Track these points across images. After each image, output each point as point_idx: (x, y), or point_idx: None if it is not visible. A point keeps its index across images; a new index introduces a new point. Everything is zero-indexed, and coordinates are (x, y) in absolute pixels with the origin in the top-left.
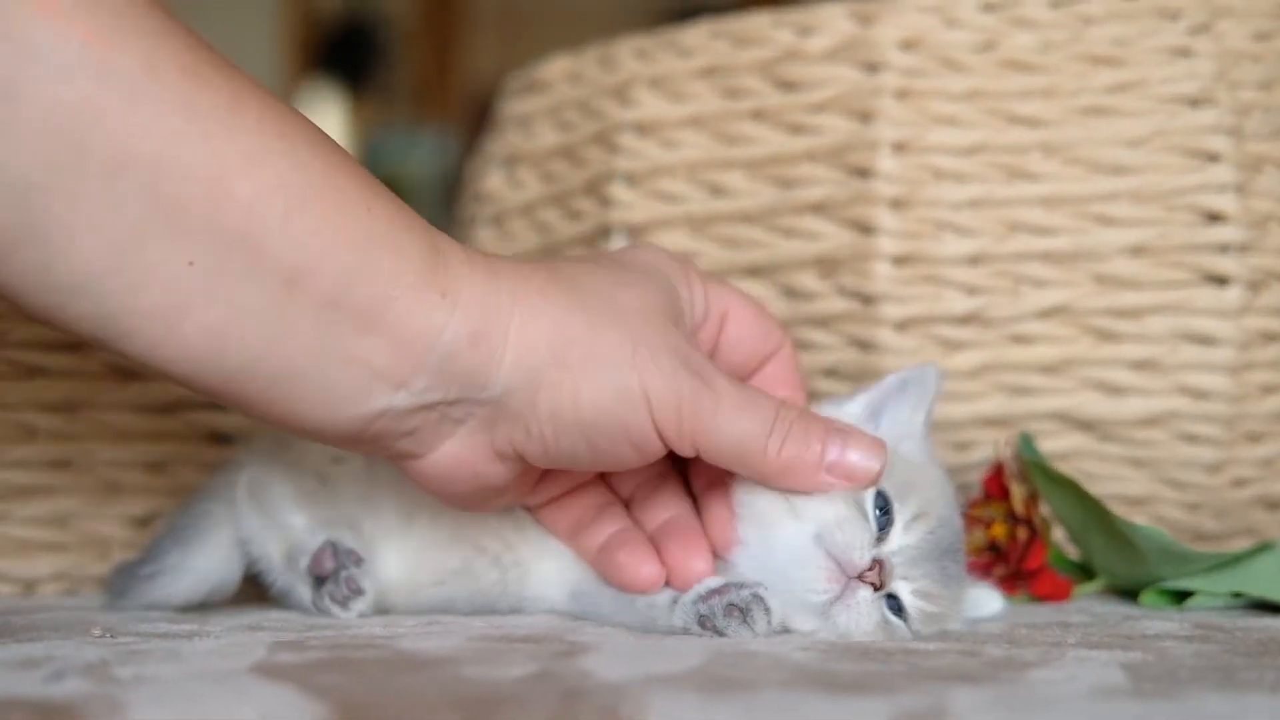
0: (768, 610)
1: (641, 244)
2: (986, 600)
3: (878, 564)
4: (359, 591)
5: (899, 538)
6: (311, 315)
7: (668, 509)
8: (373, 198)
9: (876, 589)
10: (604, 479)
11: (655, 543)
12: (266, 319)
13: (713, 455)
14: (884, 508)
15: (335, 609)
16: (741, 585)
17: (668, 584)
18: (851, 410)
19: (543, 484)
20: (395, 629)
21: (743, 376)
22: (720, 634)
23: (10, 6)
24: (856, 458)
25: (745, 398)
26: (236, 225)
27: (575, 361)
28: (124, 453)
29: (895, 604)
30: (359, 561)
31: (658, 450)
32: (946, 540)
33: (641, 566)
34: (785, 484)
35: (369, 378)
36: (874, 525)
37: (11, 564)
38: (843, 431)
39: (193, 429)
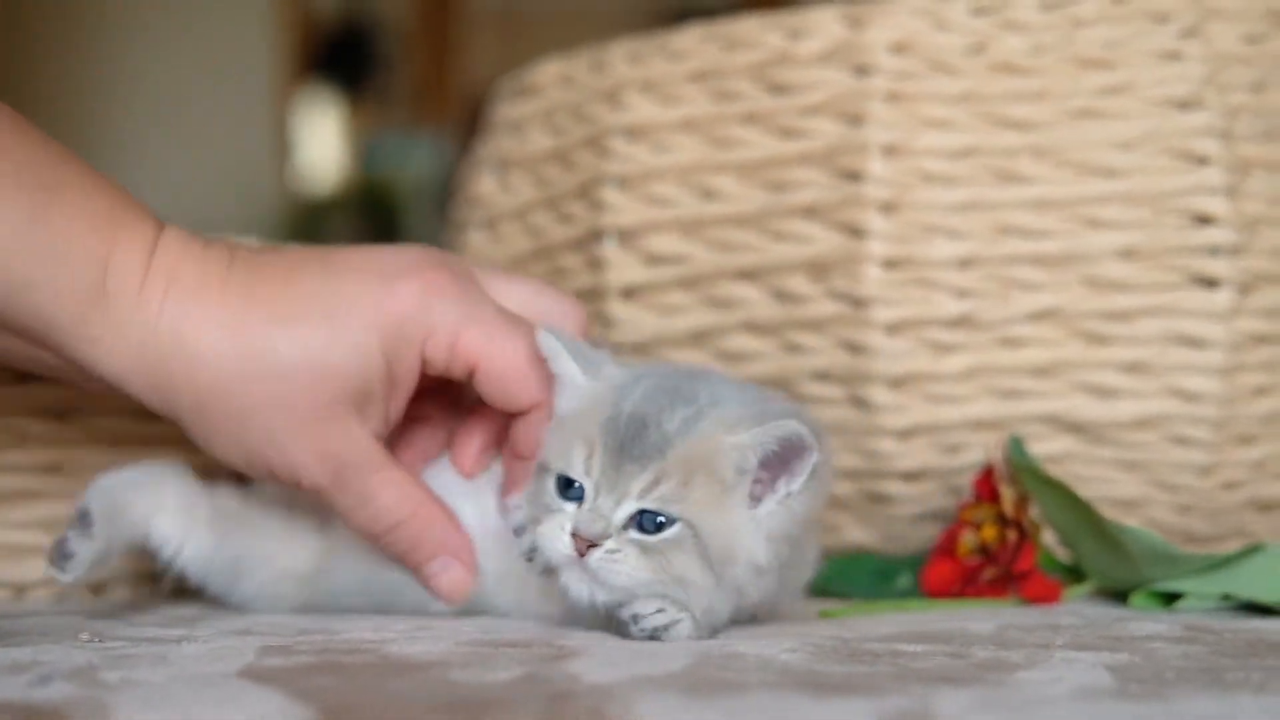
0: (675, 622)
1: (391, 287)
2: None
3: (575, 536)
4: (68, 555)
5: (589, 483)
6: None
7: None
8: (34, 229)
9: (598, 545)
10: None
11: None
12: None
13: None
14: (568, 481)
15: (51, 570)
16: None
17: None
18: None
19: None
20: (384, 633)
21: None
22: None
23: None
24: (445, 584)
25: (372, 503)
26: None
27: (216, 415)
28: (115, 458)
29: (650, 519)
30: (88, 527)
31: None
32: (623, 432)
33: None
34: None
35: (55, 369)
36: (564, 503)
37: (2, 568)
38: (445, 559)
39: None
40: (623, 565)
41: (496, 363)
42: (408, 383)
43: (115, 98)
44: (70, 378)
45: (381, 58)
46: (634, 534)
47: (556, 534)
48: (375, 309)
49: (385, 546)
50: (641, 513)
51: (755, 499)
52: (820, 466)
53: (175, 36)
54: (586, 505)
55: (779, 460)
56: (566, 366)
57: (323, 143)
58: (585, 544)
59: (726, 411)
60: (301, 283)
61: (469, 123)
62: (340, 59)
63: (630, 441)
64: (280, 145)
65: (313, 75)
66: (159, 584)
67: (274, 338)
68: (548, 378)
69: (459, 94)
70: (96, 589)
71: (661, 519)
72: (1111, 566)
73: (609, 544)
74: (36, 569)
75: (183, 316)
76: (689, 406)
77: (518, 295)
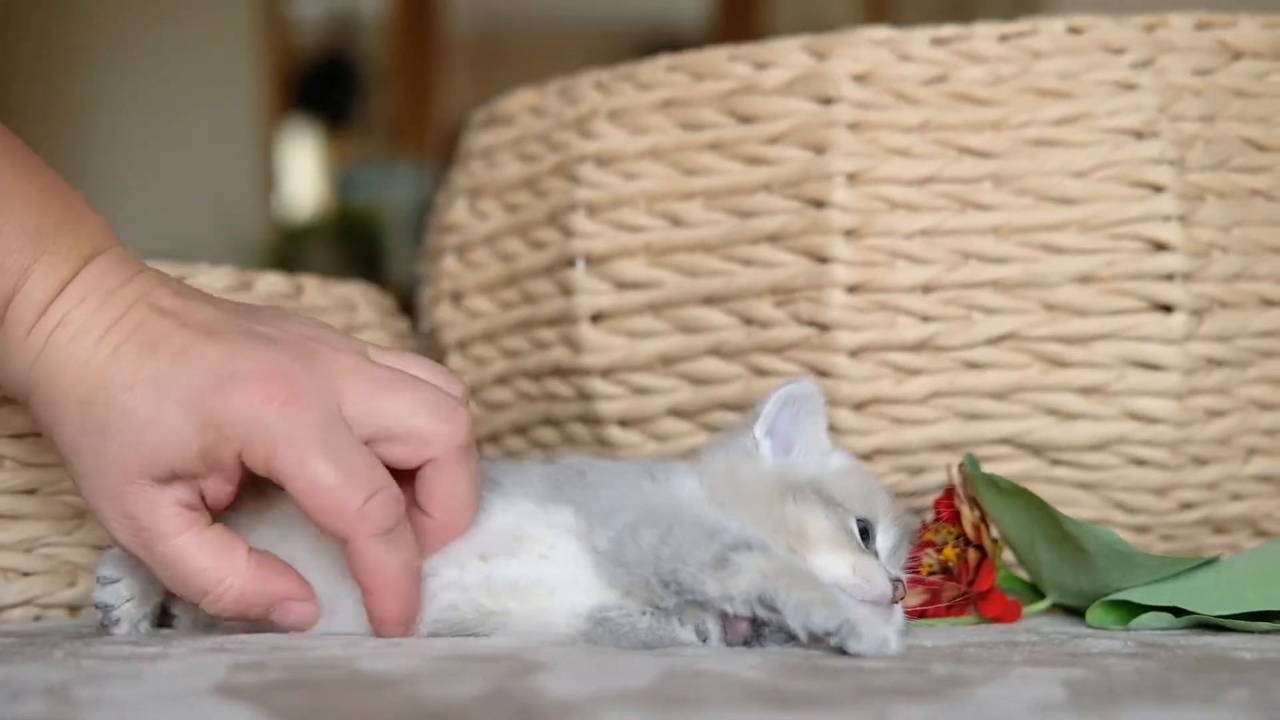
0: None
1: (224, 391)
2: None
3: (897, 582)
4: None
5: (883, 544)
6: None
7: None
8: None
9: (899, 600)
10: None
11: None
12: None
13: None
14: (864, 530)
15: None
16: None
17: None
18: (762, 450)
19: None
20: (355, 649)
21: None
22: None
23: None
24: (291, 625)
25: (177, 570)
26: None
27: (67, 458)
28: None
29: None
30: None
31: None
32: (902, 522)
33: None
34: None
35: None
36: (869, 549)
37: None
38: (281, 607)
39: None
40: (902, 624)
41: (302, 485)
42: (228, 473)
43: (100, 128)
44: None
45: (361, 91)
46: None
47: (879, 571)
48: (202, 406)
49: (219, 615)
50: None
51: None
52: None
53: (159, 69)
54: (884, 561)
55: None
56: (820, 427)
57: (304, 173)
58: (900, 594)
59: None
60: (158, 357)
61: (446, 153)
62: (321, 92)
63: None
64: (263, 175)
65: (294, 108)
66: None
67: (112, 404)
68: (362, 499)
69: (437, 125)
70: (74, 609)
71: None
72: (1069, 573)
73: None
74: (14, 591)
75: (53, 364)
76: None
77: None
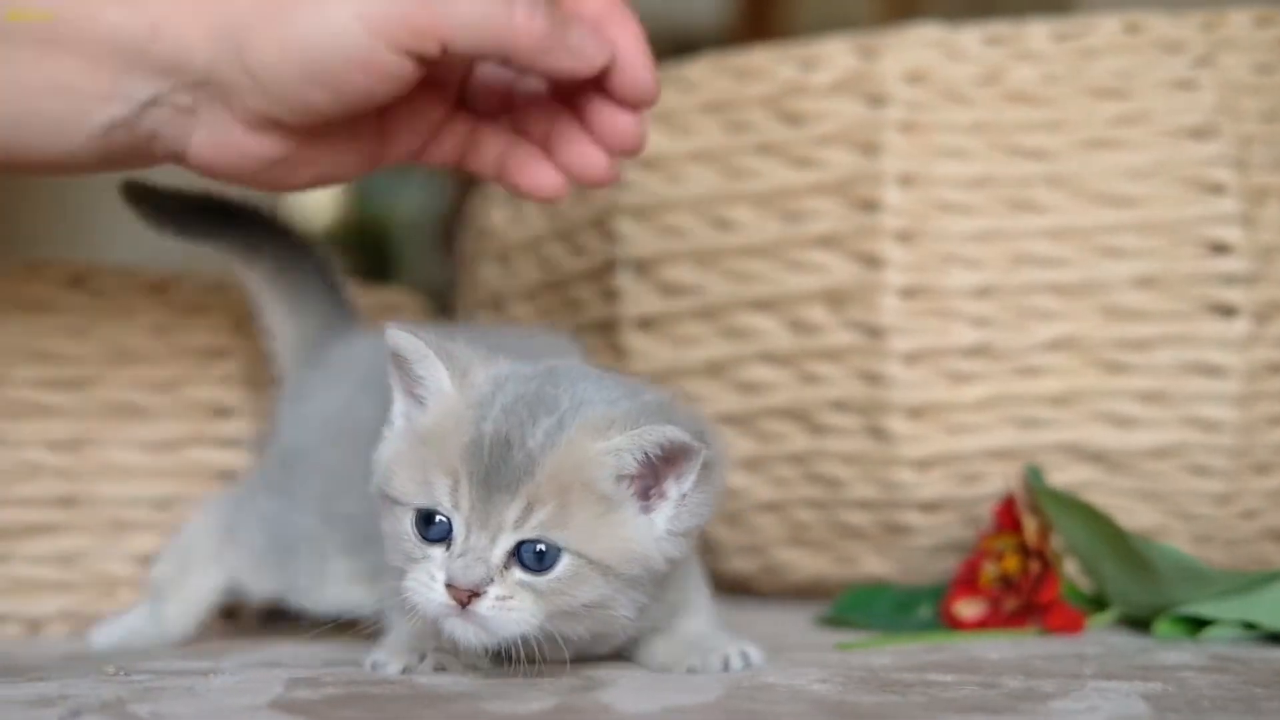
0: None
1: None
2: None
3: (450, 587)
4: None
5: (459, 520)
6: None
7: (546, 116)
8: None
9: (481, 594)
10: (465, 107)
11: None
12: None
13: (464, 45)
14: (428, 516)
15: None
16: None
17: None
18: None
19: (388, 142)
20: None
21: None
22: None
23: None
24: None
25: None
26: None
27: (274, 10)
28: (129, 490)
29: (531, 550)
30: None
31: (397, 70)
32: (487, 456)
33: (537, 176)
34: (546, 63)
35: (77, 99)
36: (429, 547)
37: (17, 603)
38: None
39: (198, 466)
40: (518, 613)
41: None
42: None
43: None
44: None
45: None
46: (519, 574)
47: (427, 585)
48: None
49: (523, 30)
50: (520, 545)
51: (646, 498)
52: (711, 462)
53: None
54: (458, 548)
55: (664, 461)
56: (433, 372)
57: None
58: (465, 594)
59: (593, 415)
60: None
61: None
62: None
63: (496, 467)
64: None
65: None
66: None
67: None
68: None
69: None
70: None
71: (543, 548)
72: (1136, 589)
73: (495, 590)
74: (51, 604)
75: None
76: (550, 415)
77: None
